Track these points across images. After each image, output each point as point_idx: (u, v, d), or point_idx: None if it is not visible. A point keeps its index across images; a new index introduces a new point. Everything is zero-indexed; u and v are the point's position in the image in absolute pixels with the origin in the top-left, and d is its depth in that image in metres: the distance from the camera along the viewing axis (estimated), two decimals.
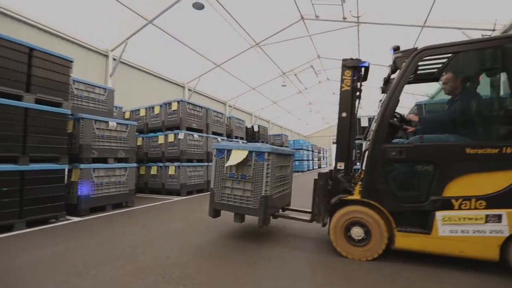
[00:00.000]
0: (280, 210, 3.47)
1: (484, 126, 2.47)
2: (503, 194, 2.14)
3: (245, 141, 10.57)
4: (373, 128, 2.72)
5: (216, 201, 3.11)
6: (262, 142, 12.29)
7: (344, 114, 2.89)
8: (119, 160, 5.12)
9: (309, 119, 28.42)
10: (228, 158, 3.03)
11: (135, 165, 5.37)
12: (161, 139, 6.87)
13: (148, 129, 7.31)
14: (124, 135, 5.17)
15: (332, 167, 2.97)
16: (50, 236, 3.31)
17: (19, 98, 3.60)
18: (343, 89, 2.92)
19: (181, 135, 6.48)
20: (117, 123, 5.05)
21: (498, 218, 2.12)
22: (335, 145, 3.04)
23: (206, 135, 7.41)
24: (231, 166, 3.02)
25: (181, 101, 6.68)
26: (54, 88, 4.02)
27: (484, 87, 2.54)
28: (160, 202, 5.75)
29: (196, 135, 6.98)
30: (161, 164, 6.83)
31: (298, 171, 18.50)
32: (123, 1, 7.93)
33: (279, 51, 12.90)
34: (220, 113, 8.27)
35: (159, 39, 9.99)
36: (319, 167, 25.70)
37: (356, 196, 2.64)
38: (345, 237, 2.58)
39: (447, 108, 2.81)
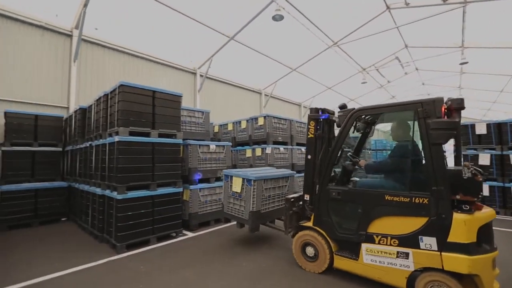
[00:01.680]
0: (275, 220, 4.31)
1: (403, 176, 2.83)
2: (411, 236, 2.54)
3: None
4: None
5: (225, 212, 4.27)
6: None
7: (309, 156, 3.54)
8: (217, 179, 5.59)
9: None
10: (231, 183, 4.13)
11: None
12: (248, 153, 7.22)
13: (236, 143, 7.77)
14: (222, 155, 5.62)
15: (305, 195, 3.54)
16: (176, 250, 3.86)
17: (147, 134, 4.30)
18: (308, 136, 3.58)
19: (268, 150, 6.67)
20: (216, 146, 5.51)
21: (406, 255, 2.56)
22: None
23: (291, 147, 7.42)
24: (231, 186, 4.09)
25: (267, 116, 6.85)
26: (170, 122, 4.65)
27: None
28: None
29: (282, 148, 7.07)
30: None
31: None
32: (207, 22, 8.61)
33: (358, 47, 11.92)
34: (303, 122, 8.16)
35: (238, 52, 10.52)
36: None
37: (310, 223, 3.33)
38: (301, 253, 3.37)
39: (388, 155, 3.28)
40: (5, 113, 5.93)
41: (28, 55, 6.82)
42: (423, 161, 2.67)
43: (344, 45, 11.60)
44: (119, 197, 3.86)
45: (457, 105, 2.56)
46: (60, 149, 6.61)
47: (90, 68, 8.00)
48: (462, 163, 2.68)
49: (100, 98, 4.79)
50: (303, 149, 7.90)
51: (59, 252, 3.96)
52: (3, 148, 5.78)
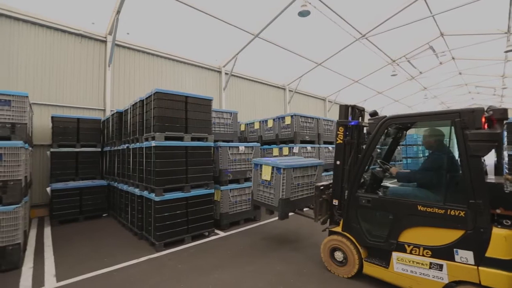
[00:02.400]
0: (305, 209, 4.27)
1: (438, 187, 2.77)
2: (446, 248, 2.49)
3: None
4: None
5: (254, 199, 4.36)
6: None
7: (338, 162, 3.49)
8: (246, 179, 5.70)
9: (422, 106, 24.16)
10: (261, 171, 4.20)
11: None
12: (275, 151, 7.26)
13: (263, 142, 7.83)
14: (250, 156, 5.71)
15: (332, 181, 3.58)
16: (210, 250, 4.05)
17: (181, 139, 4.49)
18: (337, 142, 3.53)
19: (295, 149, 6.65)
20: (245, 147, 5.61)
21: (440, 267, 2.51)
22: None
23: (318, 145, 7.34)
24: (261, 174, 4.17)
25: (295, 115, 6.82)
26: (201, 126, 4.81)
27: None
28: None
29: (309, 147, 7.02)
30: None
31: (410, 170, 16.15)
32: (232, 21, 8.64)
33: (388, 38, 11.33)
34: (330, 120, 8.01)
35: (262, 49, 10.48)
36: None
37: (339, 228, 3.34)
38: (330, 258, 3.40)
39: (421, 164, 3.15)
40: (52, 117, 6.47)
41: (69, 62, 7.35)
42: (460, 172, 2.57)
43: (372, 37, 11.09)
44: (157, 199, 4.10)
45: (500, 116, 2.40)
46: (99, 149, 7.10)
47: (123, 71, 8.42)
48: (504, 173, 2.52)
49: (136, 103, 5.06)
50: (331, 147, 7.79)
51: (107, 247, 4.36)
52: (52, 150, 6.33)
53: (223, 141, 6.00)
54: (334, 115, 17.27)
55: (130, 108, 5.40)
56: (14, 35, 6.50)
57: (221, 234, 4.93)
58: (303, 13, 7.91)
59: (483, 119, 2.36)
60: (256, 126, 8.11)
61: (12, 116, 3.92)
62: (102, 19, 7.47)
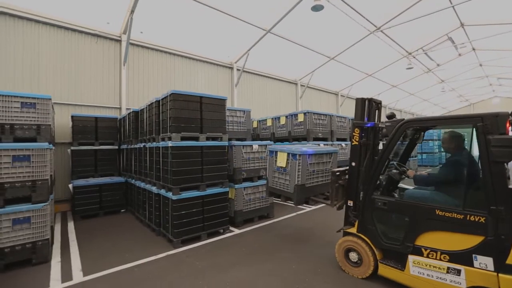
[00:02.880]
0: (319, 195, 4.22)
1: (457, 192, 2.71)
2: (464, 254, 2.46)
3: None
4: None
5: (270, 186, 4.35)
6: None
7: (353, 164, 3.47)
8: (259, 177, 5.76)
9: (439, 99, 23.40)
10: (276, 158, 4.19)
11: None
12: None
13: (275, 139, 7.85)
14: (264, 155, 5.76)
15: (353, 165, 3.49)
16: (226, 248, 4.16)
17: (196, 138, 4.57)
18: (352, 144, 3.50)
19: None
20: (258, 145, 5.65)
21: (458, 272, 2.49)
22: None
23: (331, 142, 7.30)
24: (276, 161, 4.16)
25: (308, 112, 6.79)
26: (216, 125, 4.88)
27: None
28: (295, 214, 6.20)
29: (322, 144, 6.99)
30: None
31: (426, 165, 15.83)
32: (243, 17, 8.57)
33: (404, 31, 10.97)
34: (343, 117, 7.91)
35: (274, 44, 10.38)
36: None
37: (354, 229, 3.37)
38: (345, 258, 3.43)
39: (440, 167, 3.13)
40: (72, 116, 6.71)
41: (86, 62, 7.55)
42: (480, 176, 2.53)
43: (388, 30, 10.77)
44: (174, 197, 4.23)
45: None
46: (116, 147, 7.32)
47: (137, 69, 8.58)
48: None
49: (152, 103, 5.18)
50: (344, 143, 7.72)
51: (126, 242, 4.55)
52: (72, 148, 6.59)
53: (237, 139, 6.08)
54: (346, 109, 17.02)
55: (146, 108, 5.53)
56: (37, 38, 6.74)
57: (236, 231, 5.04)
58: (317, 7, 7.77)
59: (508, 124, 2.30)
60: (269, 123, 8.12)
61: (37, 118, 4.08)
62: (116, 19, 7.59)
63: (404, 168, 3.30)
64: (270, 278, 3.30)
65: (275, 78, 13.01)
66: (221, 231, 4.93)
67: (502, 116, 2.31)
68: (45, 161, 3.85)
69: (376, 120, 3.62)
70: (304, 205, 6.91)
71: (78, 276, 3.42)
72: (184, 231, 4.35)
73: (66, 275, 3.45)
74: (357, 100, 3.51)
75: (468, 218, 2.44)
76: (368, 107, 3.54)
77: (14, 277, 3.41)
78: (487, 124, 2.36)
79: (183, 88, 9.62)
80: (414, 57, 13.73)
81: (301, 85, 14.19)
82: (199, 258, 3.90)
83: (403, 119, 3.02)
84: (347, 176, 3.58)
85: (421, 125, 3.11)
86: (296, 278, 3.28)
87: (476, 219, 2.40)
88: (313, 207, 6.70)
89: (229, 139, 5.57)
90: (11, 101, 3.86)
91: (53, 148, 5.47)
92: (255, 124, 8.78)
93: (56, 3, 6.62)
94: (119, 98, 8.18)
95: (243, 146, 5.39)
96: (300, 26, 9.65)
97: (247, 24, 8.94)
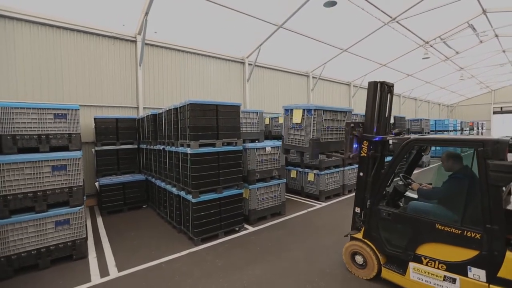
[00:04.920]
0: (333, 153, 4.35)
1: (456, 208, 2.94)
2: (460, 265, 2.70)
3: None
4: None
5: (285, 143, 4.51)
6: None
7: (361, 174, 3.69)
8: (272, 178, 6.04)
9: (456, 87, 22.59)
10: (292, 115, 4.31)
11: (284, 181, 6.23)
12: None
13: None
14: (276, 156, 6.01)
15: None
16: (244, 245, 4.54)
17: (213, 145, 4.87)
18: (361, 155, 3.66)
19: None
20: (271, 147, 5.90)
21: (453, 280, 2.74)
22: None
23: None
24: (291, 118, 4.31)
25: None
26: (231, 131, 5.14)
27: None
28: (305, 211, 6.51)
29: None
30: (300, 169, 7.54)
31: (439, 157, 15.62)
32: (255, 14, 8.57)
33: (420, 20, 10.60)
34: (356, 114, 7.96)
35: (286, 38, 10.35)
36: None
37: (360, 235, 3.63)
38: (351, 260, 3.71)
39: (443, 183, 3.23)
40: (95, 119, 7.14)
41: (104, 63, 7.87)
42: (478, 196, 2.68)
43: (403, 20, 10.45)
44: (194, 200, 4.60)
45: None
46: (136, 146, 7.75)
47: (152, 68, 8.85)
48: None
49: (170, 110, 5.48)
50: None
51: (152, 239, 5.02)
52: (96, 148, 7.06)
53: (250, 140, 6.33)
54: (359, 100, 16.82)
55: (164, 113, 5.84)
56: (59, 43, 7.08)
57: (250, 228, 5.41)
58: (329, 4, 7.67)
59: (507, 151, 2.44)
60: (281, 120, 8.28)
61: (68, 127, 4.46)
62: (131, 21, 7.79)
63: (409, 181, 3.47)
64: (284, 278, 3.65)
65: (286, 71, 13.00)
66: (237, 229, 5.31)
67: (502, 142, 2.45)
68: (79, 169, 4.26)
69: (388, 104, 3.69)
70: (315, 201, 7.21)
71: (113, 271, 3.89)
72: (203, 230, 4.74)
73: (103, 270, 3.93)
74: (370, 83, 3.59)
75: (465, 234, 2.67)
76: (380, 90, 3.59)
77: (60, 271, 3.91)
78: (487, 149, 2.51)
79: (196, 84, 9.89)
80: (431, 46, 13.29)
81: (313, 77, 14.11)
82: (218, 256, 4.30)
83: (409, 137, 3.17)
84: (361, 128, 3.67)
85: (426, 144, 3.30)
86: (307, 278, 3.62)
87: (473, 235, 2.62)
88: (324, 204, 6.97)
89: (243, 140, 5.83)
90: (46, 113, 4.23)
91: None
92: (267, 121, 8.96)
93: (74, 8, 6.88)
94: (136, 98, 8.53)
95: (256, 149, 5.65)
96: (312, 20, 9.55)
97: (258, 20, 8.94)
